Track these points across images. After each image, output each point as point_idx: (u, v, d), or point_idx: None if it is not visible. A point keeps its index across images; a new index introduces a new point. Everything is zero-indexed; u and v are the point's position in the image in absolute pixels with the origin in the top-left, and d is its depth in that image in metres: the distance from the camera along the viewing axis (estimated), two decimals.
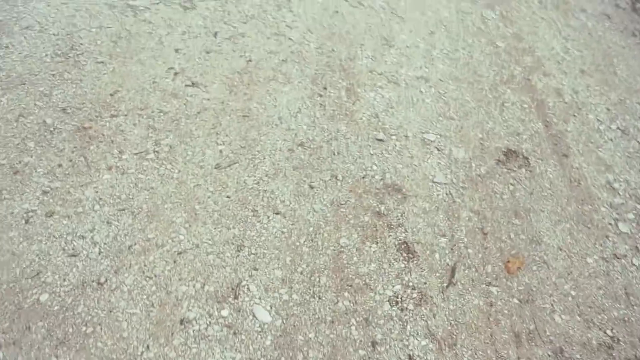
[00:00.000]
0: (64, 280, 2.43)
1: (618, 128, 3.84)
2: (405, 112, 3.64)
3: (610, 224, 3.19)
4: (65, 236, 2.59)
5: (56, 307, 2.33)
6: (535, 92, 4.03)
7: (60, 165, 2.87)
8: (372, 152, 3.31)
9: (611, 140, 3.74)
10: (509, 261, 2.90)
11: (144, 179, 2.90)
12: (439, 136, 3.51)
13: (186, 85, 3.50)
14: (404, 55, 4.14)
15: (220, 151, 3.12)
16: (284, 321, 2.45)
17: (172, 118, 3.25)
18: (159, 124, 3.20)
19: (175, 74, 3.57)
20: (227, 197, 2.90)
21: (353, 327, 2.48)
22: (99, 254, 2.54)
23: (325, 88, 3.70)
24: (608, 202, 3.31)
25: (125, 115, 3.21)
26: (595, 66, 4.37)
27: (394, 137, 3.44)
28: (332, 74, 3.84)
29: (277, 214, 2.87)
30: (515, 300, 2.73)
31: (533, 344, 2.57)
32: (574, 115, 3.88)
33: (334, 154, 3.25)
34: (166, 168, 2.97)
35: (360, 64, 3.98)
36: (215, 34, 3.97)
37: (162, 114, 3.27)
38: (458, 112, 3.73)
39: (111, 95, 3.31)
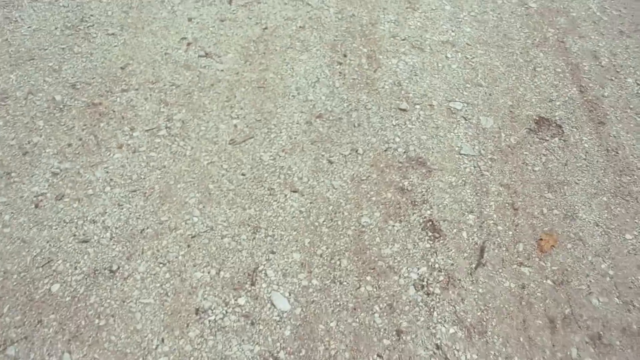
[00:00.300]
0: (76, 268, 2.33)
1: None
2: (430, 80, 3.44)
3: None
4: (75, 221, 2.49)
5: (68, 298, 2.24)
6: (570, 55, 3.79)
7: (70, 145, 2.75)
8: (394, 123, 3.13)
9: None
10: (541, 239, 2.73)
11: (156, 157, 2.77)
12: (465, 104, 3.31)
13: (199, 56, 3.34)
14: (428, 19, 3.91)
15: (235, 125, 2.98)
16: (304, 309, 2.32)
17: (184, 91, 3.11)
18: (171, 98, 3.06)
19: (188, 44, 3.41)
20: (242, 174, 2.76)
21: (376, 315, 2.35)
22: (111, 239, 2.44)
23: (345, 55, 3.51)
24: None
25: (137, 89, 3.07)
26: (635, 27, 4.08)
27: (418, 106, 3.26)
28: (353, 40, 3.64)
29: (295, 192, 2.73)
30: (549, 282, 2.57)
31: (569, 329, 2.41)
32: (612, 79, 3.64)
33: (354, 126, 3.08)
34: (179, 145, 2.84)
35: (382, 29, 3.77)
36: (230, 1, 3.79)
37: (174, 87, 3.13)
38: (486, 78, 3.51)
39: (122, 68, 3.18)
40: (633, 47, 3.91)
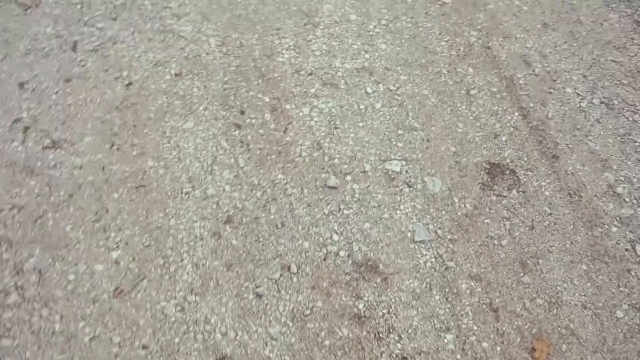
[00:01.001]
0: None
1: (601, 102, 3.12)
2: (355, 131, 2.73)
3: (627, 249, 2.56)
4: None
5: None
6: (501, 65, 3.21)
7: None
8: (326, 211, 2.42)
9: (597, 121, 3.03)
10: (534, 349, 2.22)
11: (11, 347, 1.88)
12: (404, 163, 2.66)
13: (44, 148, 2.39)
14: (334, 37, 3.14)
15: (117, 262, 2.12)
16: None
17: (32, 215, 2.18)
18: (15, 232, 2.13)
19: (26, 129, 2.43)
20: (144, 348, 1.95)
21: None
22: None
23: (242, 112, 2.69)
24: (617, 217, 2.65)
25: None
26: (557, 15, 3.56)
27: (348, 177, 2.55)
28: (247, 85, 2.81)
29: (223, 359, 1.98)
30: None
31: None
32: (550, 92, 3.12)
33: (277, 227, 2.34)
34: (41, 316, 1.96)
35: (282, 61, 2.96)
36: (75, 45, 2.79)
37: (16, 210, 2.19)
38: (419, 116, 2.86)
39: None
40: (561, 43, 3.40)
